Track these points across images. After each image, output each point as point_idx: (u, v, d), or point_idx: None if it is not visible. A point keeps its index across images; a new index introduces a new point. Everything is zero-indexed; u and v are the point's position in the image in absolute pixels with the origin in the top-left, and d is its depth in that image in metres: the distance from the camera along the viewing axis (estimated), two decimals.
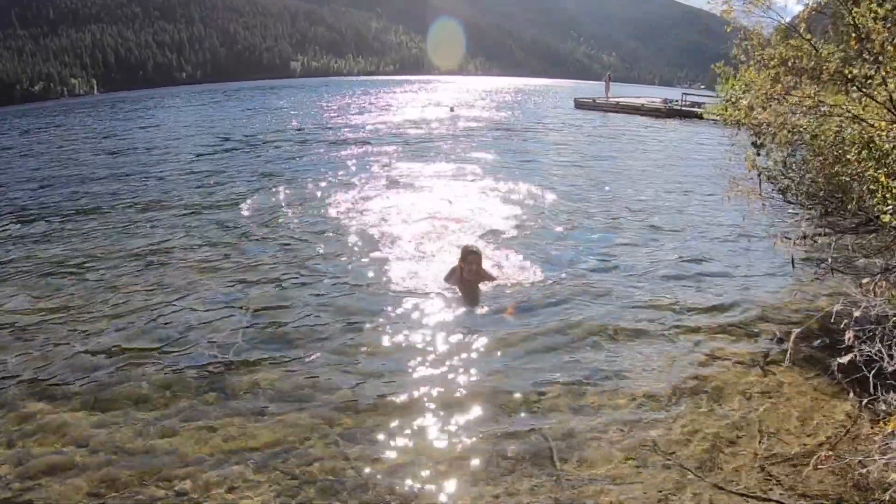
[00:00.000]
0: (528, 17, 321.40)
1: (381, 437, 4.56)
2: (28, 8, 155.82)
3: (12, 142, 27.92)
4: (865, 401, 4.36)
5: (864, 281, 4.98)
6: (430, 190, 13.15)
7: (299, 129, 28.04)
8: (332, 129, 27.70)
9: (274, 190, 13.55)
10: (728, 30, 6.82)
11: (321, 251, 8.96)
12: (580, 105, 45.09)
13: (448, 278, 7.35)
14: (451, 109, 41.92)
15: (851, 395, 4.66)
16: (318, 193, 13.07)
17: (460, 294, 7.08)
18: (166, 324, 6.62)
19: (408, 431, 4.62)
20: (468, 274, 7.14)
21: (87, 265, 8.70)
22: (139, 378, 5.46)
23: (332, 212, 11.38)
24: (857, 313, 4.30)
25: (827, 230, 6.82)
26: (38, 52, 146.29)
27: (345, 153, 19.72)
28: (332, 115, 37.29)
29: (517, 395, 5.12)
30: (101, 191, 14.40)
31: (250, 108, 46.51)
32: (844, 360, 4.20)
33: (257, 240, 9.63)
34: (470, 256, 7.11)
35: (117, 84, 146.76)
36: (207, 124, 32.41)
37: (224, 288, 7.61)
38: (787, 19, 6.78)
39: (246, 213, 11.52)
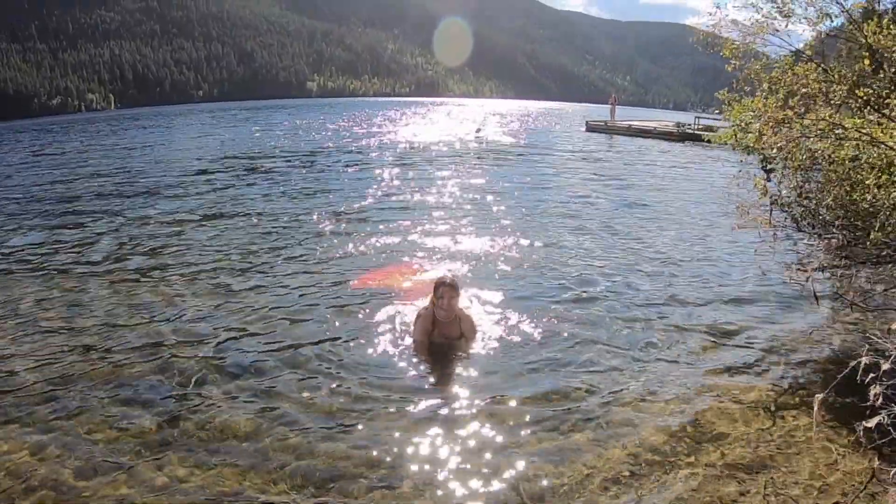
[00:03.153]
0: (544, 39, 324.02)
1: (336, 485, 4.06)
2: (48, 22, 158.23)
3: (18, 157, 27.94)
4: (894, 471, 3.81)
5: (894, 326, 4.44)
6: (431, 218, 12.65)
7: (319, 150, 27.78)
8: (350, 152, 27.41)
9: (277, 212, 13.21)
10: (729, 69, 6.44)
11: (304, 277, 8.53)
12: (592, 128, 44.89)
13: (417, 321, 6.30)
14: (478, 131, 41.72)
15: (877, 460, 4.08)
16: (318, 217, 12.67)
17: (434, 338, 6.18)
18: (133, 346, 6.19)
19: (363, 483, 4.08)
20: (439, 312, 6.07)
21: (63, 278, 8.40)
22: (91, 403, 5.05)
23: (330, 236, 10.98)
24: (885, 366, 3.76)
25: (845, 261, 6.33)
26: (57, 67, 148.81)
27: (360, 175, 19.42)
28: (351, 135, 37.15)
29: (488, 439, 4.59)
30: (102, 206, 14.22)
31: (269, 126, 46.64)
32: (871, 423, 3.65)
33: (238, 265, 9.16)
34: (442, 289, 6.01)
35: (134, 100, 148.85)
36: (219, 142, 32.32)
37: (192, 313, 7.19)
38: (798, 45, 6.39)
39: (238, 235, 11.10)
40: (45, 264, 9.26)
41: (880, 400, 3.52)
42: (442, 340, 6.17)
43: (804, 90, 5.85)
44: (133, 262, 9.29)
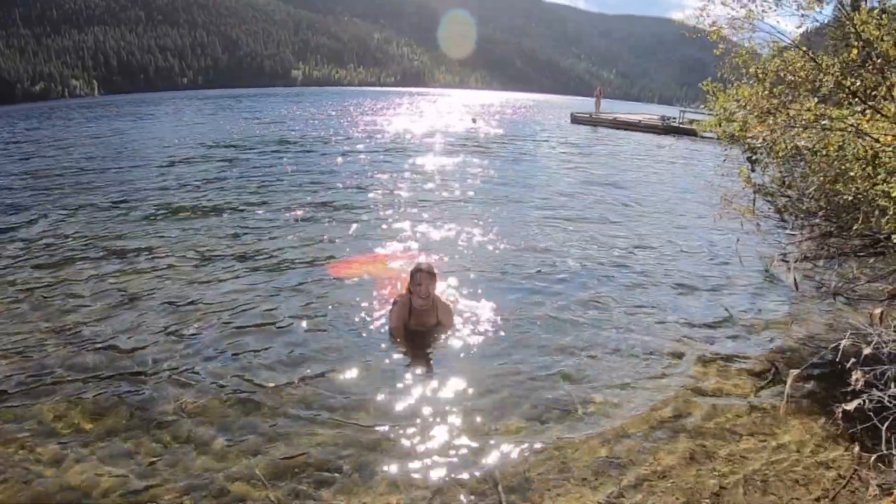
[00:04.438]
0: (531, 31, 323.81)
1: (310, 474, 3.98)
2: (31, 7, 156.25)
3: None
4: (874, 457, 3.78)
5: (876, 312, 4.41)
6: (414, 207, 12.47)
7: (303, 139, 27.34)
8: (338, 142, 26.95)
9: (258, 201, 12.97)
10: (717, 53, 6.42)
11: (276, 270, 8.29)
12: (577, 120, 44.84)
13: (393, 308, 6.22)
14: (474, 121, 41.75)
15: (857, 447, 4.06)
16: (299, 205, 12.54)
17: (410, 325, 6.08)
18: (107, 334, 6.05)
19: (338, 473, 4.00)
20: (416, 300, 6.00)
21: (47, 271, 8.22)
22: (63, 390, 4.95)
23: (310, 224, 10.84)
24: (867, 350, 3.72)
25: (828, 252, 6.31)
26: (41, 52, 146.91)
27: (345, 165, 19.05)
28: (338, 126, 36.78)
29: (464, 428, 4.50)
30: (80, 193, 14.01)
31: (252, 114, 46.23)
32: (851, 406, 3.61)
33: (216, 252, 8.97)
34: (419, 275, 5.92)
35: (118, 86, 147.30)
36: (203, 130, 31.83)
37: (167, 299, 7.06)
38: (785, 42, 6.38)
39: (217, 223, 10.91)
40: (17, 254, 9.06)
41: (861, 384, 3.49)
42: (418, 328, 6.08)
43: (791, 78, 5.83)
44: (109, 250, 9.05)
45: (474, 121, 42.02)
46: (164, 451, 4.17)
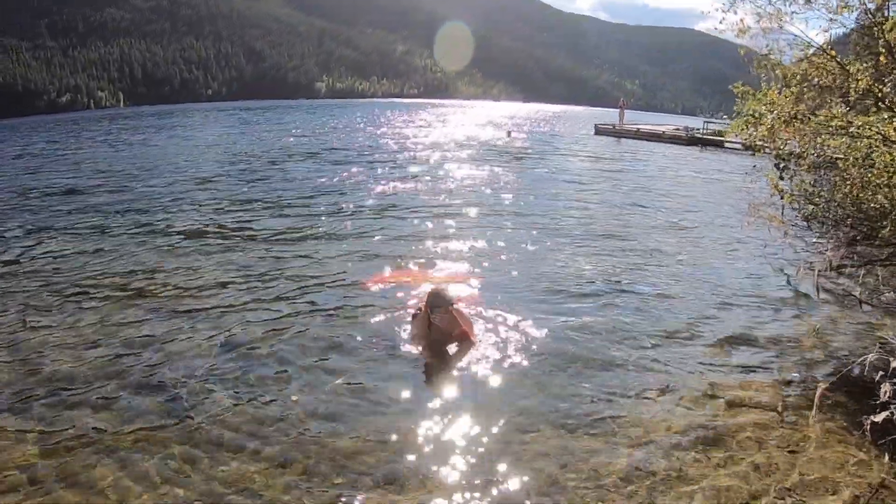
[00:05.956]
0: (552, 42, 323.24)
1: (340, 480, 4.01)
2: (58, 19, 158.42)
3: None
4: None
5: None
6: (446, 219, 12.47)
7: (335, 152, 27.60)
8: (376, 155, 27.27)
9: (292, 212, 13.10)
10: (742, 52, 6.39)
11: (306, 282, 8.31)
12: (600, 131, 44.72)
13: (413, 322, 6.29)
14: (508, 134, 41.52)
15: (886, 458, 4.04)
16: (334, 217, 12.61)
17: (431, 336, 6.04)
18: (138, 341, 6.17)
19: (367, 479, 4.03)
20: (435, 320, 5.95)
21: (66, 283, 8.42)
22: (93, 397, 5.04)
23: (345, 235, 10.90)
24: (894, 363, 3.69)
25: (855, 260, 6.25)
26: (67, 64, 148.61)
27: (382, 178, 19.21)
28: (371, 138, 36.93)
29: (492, 437, 4.50)
30: (104, 206, 14.23)
31: (286, 126, 46.50)
32: (879, 418, 3.59)
33: (253, 259, 9.11)
34: (436, 311, 5.88)
35: (143, 98, 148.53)
36: (231, 143, 31.84)
37: (200, 308, 7.14)
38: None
39: (254, 231, 11.05)
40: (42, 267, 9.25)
41: (887, 395, 3.46)
42: (439, 338, 6.07)
43: (820, 80, 5.79)
44: (143, 264, 9.13)
45: (509, 134, 41.72)
46: (196, 458, 4.22)
